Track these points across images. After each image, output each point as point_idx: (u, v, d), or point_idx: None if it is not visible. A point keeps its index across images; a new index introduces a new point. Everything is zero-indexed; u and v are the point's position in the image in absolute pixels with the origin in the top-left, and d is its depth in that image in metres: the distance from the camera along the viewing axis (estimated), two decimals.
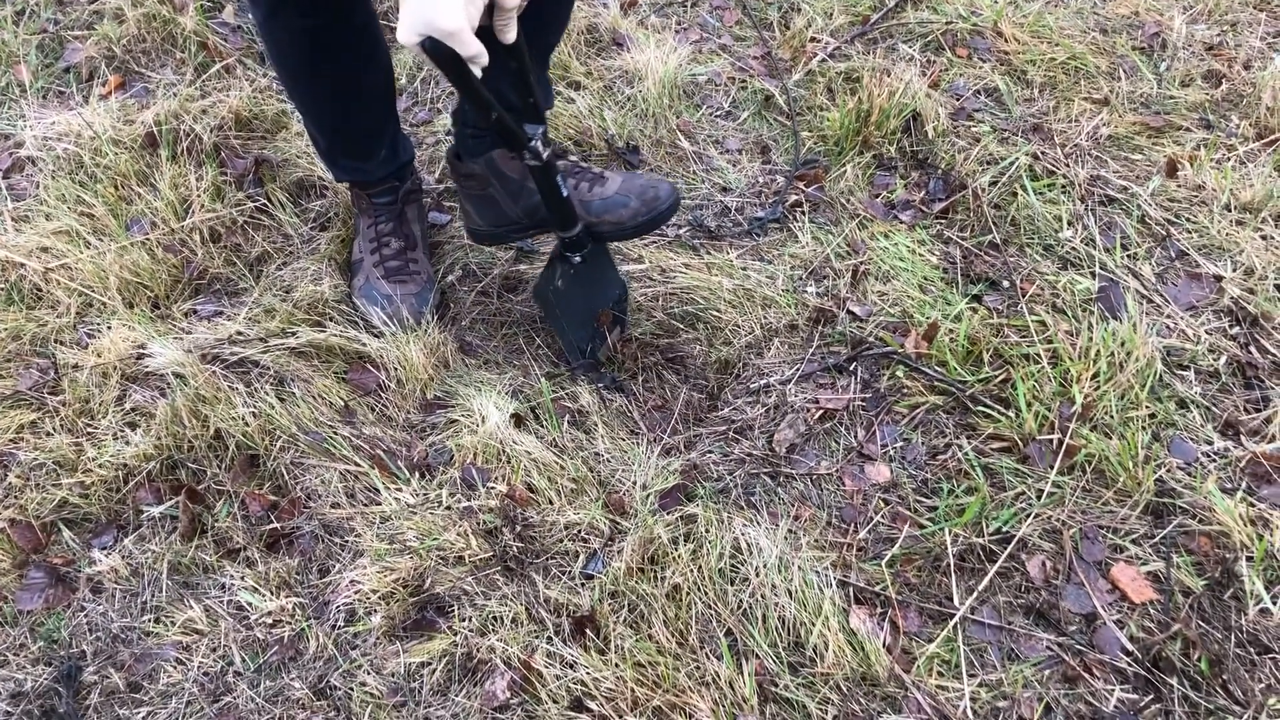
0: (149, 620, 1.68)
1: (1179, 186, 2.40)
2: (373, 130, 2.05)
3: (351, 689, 1.60)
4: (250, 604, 1.69)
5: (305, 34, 1.80)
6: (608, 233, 2.01)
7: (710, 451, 1.94)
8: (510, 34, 1.55)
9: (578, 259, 1.98)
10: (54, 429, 1.87)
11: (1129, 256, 2.24)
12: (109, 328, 2.01)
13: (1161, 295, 2.16)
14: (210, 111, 2.38)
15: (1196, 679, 1.60)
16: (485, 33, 1.52)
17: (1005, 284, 2.19)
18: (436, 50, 1.40)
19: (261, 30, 1.85)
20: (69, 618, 1.68)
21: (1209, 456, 1.89)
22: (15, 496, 1.79)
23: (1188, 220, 2.32)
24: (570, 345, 2.07)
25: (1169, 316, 2.12)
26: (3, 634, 1.66)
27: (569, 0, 1.96)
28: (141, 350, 1.96)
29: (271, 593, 1.70)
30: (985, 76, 2.73)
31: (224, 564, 1.74)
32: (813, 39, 2.87)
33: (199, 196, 2.22)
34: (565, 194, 1.88)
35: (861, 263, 2.24)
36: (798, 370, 2.05)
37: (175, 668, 1.63)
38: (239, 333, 2.02)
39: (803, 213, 2.39)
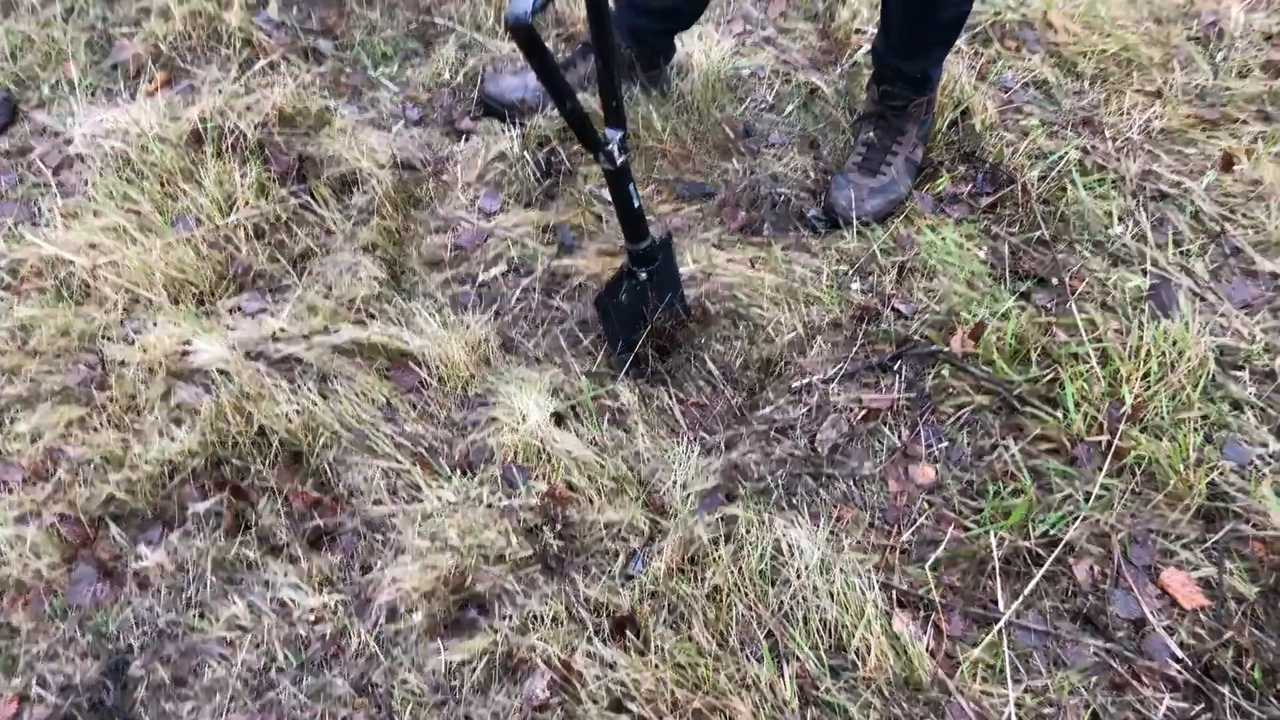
0: (194, 616, 1.70)
1: (1235, 181, 2.34)
2: None
3: (393, 687, 1.61)
4: (293, 600, 1.70)
5: None
6: None
7: (751, 451, 1.92)
8: None
9: (644, 275, 1.97)
10: (102, 425, 1.90)
11: (1181, 253, 2.20)
12: (155, 324, 2.03)
13: (1215, 293, 2.11)
14: (254, 108, 2.39)
15: (1249, 688, 1.57)
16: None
17: (1054, 281, 2.15)
18: (518, 29, 1.41)
19: None
20: (116, 612, 1.71)
21: (1264, 459, 1.84)
22: (64, 492, 1.81)
23: (1244, 216, 2.27)
24: (619, 347, 2.05)
25: (1223, 315, 2.07)
26: (53, 627, 1.69)
27: None
28: (187, 346, 1.98)
29: (314, 589, 1.71)
30: (1034, 68, 2.68)
31: (267, 560, 1.76)
32: (858, 30, 2.83)
33: (243, 193, 2.23)
34: (637, 205, 1.87)
35: (907, 259, 2.21)
36: (841, 369, 2.02)
37: (219, 663, 1.65)
38: (282, 329, 2.03)
39: None
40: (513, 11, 1.43)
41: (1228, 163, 2.38)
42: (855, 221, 2.30)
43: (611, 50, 1.69)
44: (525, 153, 2.41)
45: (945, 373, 1.99)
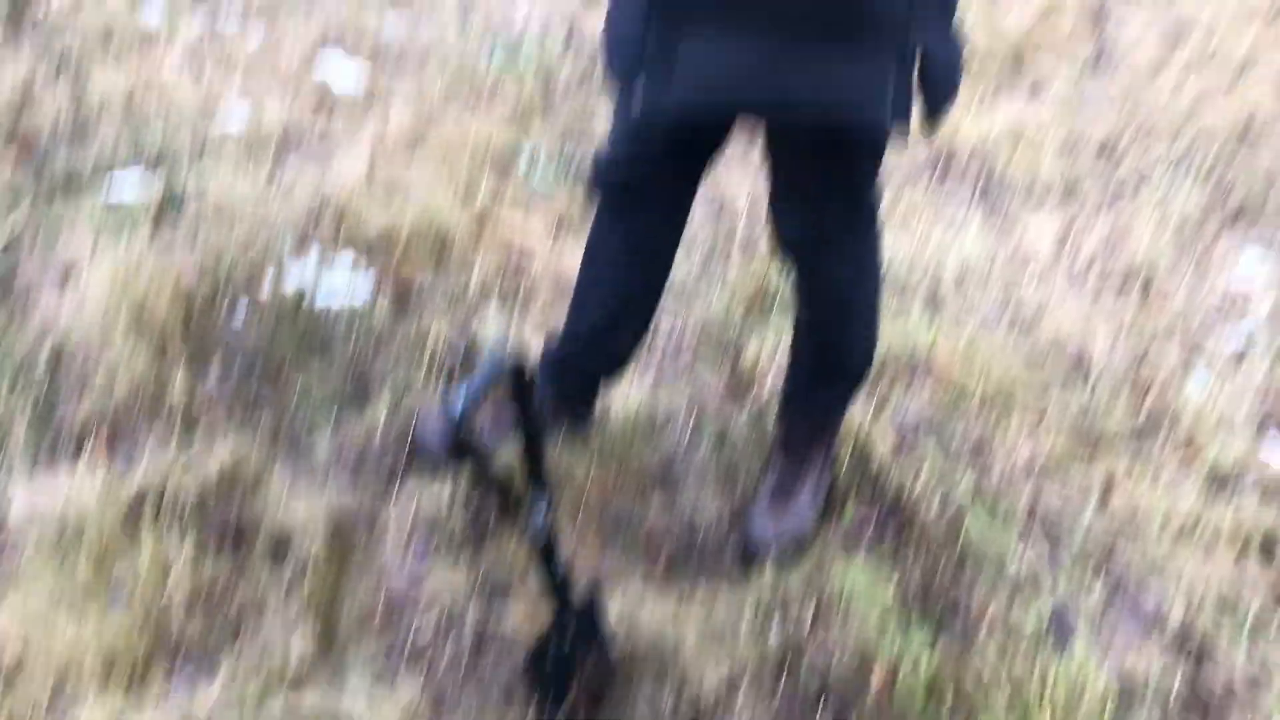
0: None
1: (1116, 507, 2.53)
2: None
3: None
4: None
5: None
6: None
7: None
8: None
9: (570, 630, 2.04)
10: None
11: (1074, 582, 2.34)
12: (86, 706, 2.03)
13: (1109, 621, 2.25)
14: (192, 473, 2.50)
15: None
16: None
17: (959, 614, 2.27)
18: (449, 429, 1.58)
19: None
20: None
21: None
22: None
23: (1127, 541, 2.44)
24: (548, 704, 2.09)
25: (1117, 643, 2.19)
26: None
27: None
28: None
29: None
30: (925, 402, 2.91)
31: None
32: (762, 372, 3.05)
33: (179, 562, 2.29)
34: (561, 567, 1.97)
35: (821, 595, 2.32)
36: (767, 712, 2.08)
37: None
38: (216, 704, 2.04)
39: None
40: (448, 414, 1.59)
41: (1107, 489, 2.57)
42: (771, 556, 2.42)
43: (536, 429, 1.84)
44: (456, 505, 2.53)
45: (866, 714, 2.06)
